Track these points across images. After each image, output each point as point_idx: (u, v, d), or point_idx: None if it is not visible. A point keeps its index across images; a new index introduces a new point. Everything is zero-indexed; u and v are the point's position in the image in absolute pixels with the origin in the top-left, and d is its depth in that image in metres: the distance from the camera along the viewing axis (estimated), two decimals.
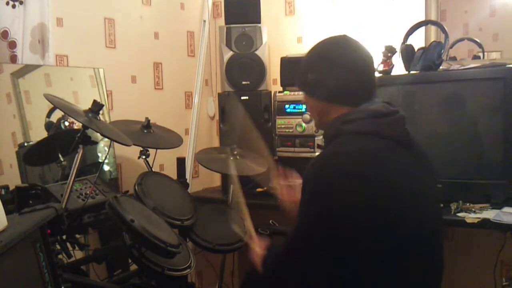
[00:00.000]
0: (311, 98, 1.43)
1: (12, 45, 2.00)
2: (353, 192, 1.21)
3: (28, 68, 2.06)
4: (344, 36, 1.42)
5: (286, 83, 2.76)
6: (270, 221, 1.72)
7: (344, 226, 1.21)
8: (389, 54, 2.38)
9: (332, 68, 1.36)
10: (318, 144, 2.59)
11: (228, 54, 2.79)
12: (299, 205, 1.33)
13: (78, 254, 1.89)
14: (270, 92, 2.80)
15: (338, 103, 1.36)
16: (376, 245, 1.21)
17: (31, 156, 2.04)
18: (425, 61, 2.22)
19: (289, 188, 1.68)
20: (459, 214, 2.00)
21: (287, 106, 2.69)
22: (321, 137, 2.59)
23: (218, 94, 2.89)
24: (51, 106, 2.05)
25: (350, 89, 1.35)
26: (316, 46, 1.44)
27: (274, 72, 2.92)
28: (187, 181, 2.46)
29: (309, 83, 1.40)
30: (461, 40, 2.54)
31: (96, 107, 1.81)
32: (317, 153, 2.60)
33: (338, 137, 1.31)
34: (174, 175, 2.43)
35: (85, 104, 1.90)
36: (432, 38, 2.47)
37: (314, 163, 1.29)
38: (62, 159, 2.06)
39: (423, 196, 1.32)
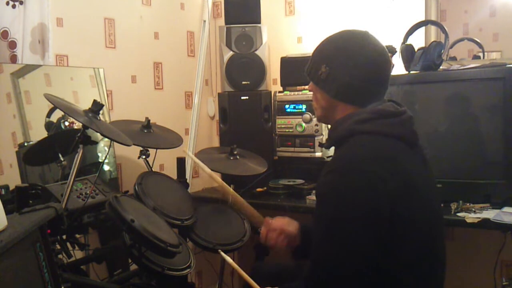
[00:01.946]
0: (320, 90, 1.36)
1: (12, 45, 2.00)
2: (382, 193, 1.16)
3: (28, 68, 2.06)
4: (366, 32, 1.34)
5: (286, 83, 2.76)
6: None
7: (377, 230, 1.17)
8: (389, 54, 2.37)
9: (349, 66, 1.29)
10: (319, 143, 2.59)
11: (228, 54, 2.79)
12: (317, 220, 1.25)
13: (78, 254, 1.90)
14: (270, 92, 2.81)
15: (347, 102, 1.32)
16: (398, 244, 1.20)
17: (31, 156, 2.04)
18: (425, 61, 2.22)
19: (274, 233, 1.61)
20: (459, 214, 2.00)
21: (287, 106, 2.69)
22: (321, 137, 2.59)
23: (218, 94, 2.89)
24: (51, 106, 2.05)
25: (363, 90, 1.30)
26: (335, 37, 1.36)
27: (274, 72, 2.92)
28: (187, 181, 2.46)
29: (322, 75, 1.32)
30: (461, 40, 2.54)
31: (96, 107, 1.81)
32: (317, 153, 2.60)
33: (350, 138, 1.26)
34: (174, 175, 2.43)
35: (85, 104, 1.90)
36: (432, 38, 2.47)
37: (330, 171, 1.23)
38: (62, 159, 2.06)
39: (432, 194, 1.33)
